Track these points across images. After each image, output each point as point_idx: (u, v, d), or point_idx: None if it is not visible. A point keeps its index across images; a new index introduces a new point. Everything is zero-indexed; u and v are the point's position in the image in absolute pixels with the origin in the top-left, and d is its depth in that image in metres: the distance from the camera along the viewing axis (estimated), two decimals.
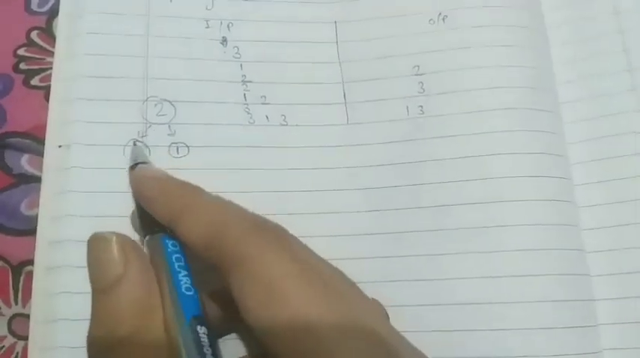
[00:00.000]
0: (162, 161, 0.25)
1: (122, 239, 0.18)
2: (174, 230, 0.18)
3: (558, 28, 0.30)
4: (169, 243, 0.18)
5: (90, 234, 0.23)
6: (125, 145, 0.26)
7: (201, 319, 0.17)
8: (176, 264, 0.18)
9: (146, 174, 0.20)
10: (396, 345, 0.16)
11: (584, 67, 0.29)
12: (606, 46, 0.29)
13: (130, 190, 0.20)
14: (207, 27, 0.28)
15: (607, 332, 0.25)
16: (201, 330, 0.16)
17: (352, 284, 0.18)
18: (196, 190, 0.19)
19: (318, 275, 0.17)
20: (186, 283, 0.17)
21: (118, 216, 0.24)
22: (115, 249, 0.18)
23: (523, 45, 0.28)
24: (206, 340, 0.16)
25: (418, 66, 0.28)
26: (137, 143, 0.25)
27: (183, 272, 0.18)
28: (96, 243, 0.18)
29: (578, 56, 0.29)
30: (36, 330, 0.24)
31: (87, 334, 0.17)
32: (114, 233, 0.18)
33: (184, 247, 0.18)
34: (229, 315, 0.19)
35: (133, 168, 0.20)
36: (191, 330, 0.16)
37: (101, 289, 0.17)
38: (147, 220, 0.19)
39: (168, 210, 0.18)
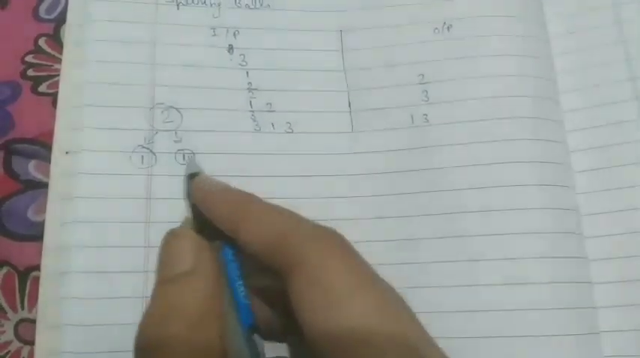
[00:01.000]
0: (168, 168, 0.26)
1: (198, 237, 0.19)
2: (237, 236, 0.18)
3: (561, 38, 0.30)
4: (229, 251, 0.18)
5: (97, 240, 0.24)
6: (132, 152, 0.26)
7: (256, 328, 0.17)
8: (235, 272, 0.18)
9: (208, 184, 0.20)
10: None
11: (587, 76, 0.29)
12: (609, 55, 0.29)
13: (185, 199, 0.20)
14: (214, 35, 0.28)
15: (609, 339, 0.25)
16: (257, 339, 0.17)
17: (400, 297, 0.18)
18: (257, 198, 0.19)
19: (376, 286, 0.17)
20: (243, 292, 0.18)
21: (125, 221, 0.25)
22: (189, 244, 0.18)
23: (526, 54, 0.28)
24: (262, 349, 0.16)
25: (423, 74, 0.28)
26: (191, 154, 0.26)
27: (240, 282, 0.18)
28: (172, 236, 0.19)
29: (581, 65, 0.29)
30: (42, 335, 0.24)
31: (139, 323, 0.17)
32: (191, 230, 0.19)
33: (241, 256, 0.19)
34: (275, 322, 0.19)
35: (190, 177, 0.21)
36: (248, 339, 0.17)
37: (166, 280, 0.18)
38: (204, 228, 0.19)
39: (231, 217, 0.18)
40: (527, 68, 0.28)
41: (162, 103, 0.27)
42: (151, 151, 0.26)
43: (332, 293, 0.16)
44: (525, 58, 0.28)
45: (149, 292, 0.24)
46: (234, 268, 0.18)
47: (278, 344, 0.19)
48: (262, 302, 0.19)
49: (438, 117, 0.28)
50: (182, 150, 0.26)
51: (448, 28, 0.29)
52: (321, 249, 0.17)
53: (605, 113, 0.28)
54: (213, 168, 0.26)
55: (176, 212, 0.25)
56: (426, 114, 0.28)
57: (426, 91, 0.28)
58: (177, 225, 0.25)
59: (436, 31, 0.29)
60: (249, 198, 0.19)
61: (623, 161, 0.27)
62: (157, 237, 0.24)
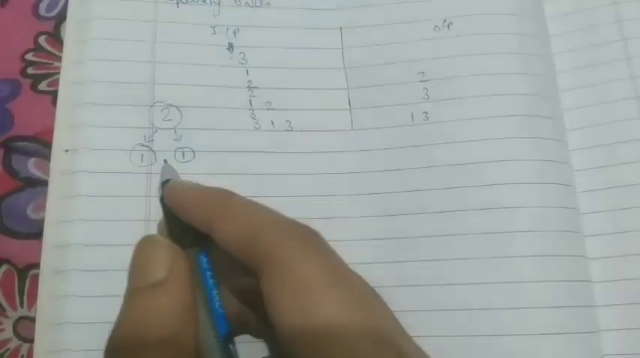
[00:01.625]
0: None
1: (172, 245, 0.18)
2: (212, 233, 0.18)
3: (562, 36, 0.30)
4: (204, 259, 0.18)
5: (96, 238, 0.24)
6: (132, 150, 0.26)
7: (231, 337, 0.17)
8: (210, 281, 0.18)
9: (180, 185, 0.20)
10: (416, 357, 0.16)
11: (588, 75, 0.29)
12: (609, 53, 0.29)
13: (160, 206, 0.20)
14: (214, 33, 0.28)
15: (608, 338, 0.25)
16: (233, 349, 0.17)
17: (375, 292, 0.17)
18: (231, 195, 0.19)
19: (348, 282, 0.17)
20: (218, 301, 0.17)
21: (123, 219, 0.25)
22: (163, 252, 0.18)
23: (527, 52, 0.28)
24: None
25: (423, 72, 0.28)
26: (166, 162, 0.25)
27: (215, 291, 0.18)
28: (145, 244, 0.18)
29: (581, 64, 0.29)
30: (42, 333, 0.24)
31: (110, 333, 0.17)
32: (165, 238, 0.19)
33: (214, 264, 0.18)
34: (246, 317, 0.19)
35: (164, 184, 0.20)
36: (224, 349, 0.17)
37: (139, 288, 0.17)
38: (178, 235, 0.19)
39: (204, 215, 0.18)
40: (527, 66, 0.28)
41: (161, 101, 0.27)
42: (151, 149, 0.26)
43: (304, 291, 0.16)
44: (526, 56, 0.28)
45: None
46: (208, 277, 0.18)
47: (257, 347, 0.19)
48: (239, 300, 0.19)
49: (438, 115, 0.27)
50: (182, 148, 0.26)
51: (449, 25, 0.29)
52: (293, 246, 0.17)
53: (605, 112, 0.28)
54: (213, 166, 0.26)
55: None
56: (426, 112, 0.28)
57: (426, 89, 0.28)
58: None
59: (436, 28, 0.29)
60: (223, 194, 0.19)
61: (624, 160, 0.27)
62: None
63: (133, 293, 0.17)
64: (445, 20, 0.29)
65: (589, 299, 0.25)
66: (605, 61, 0.29)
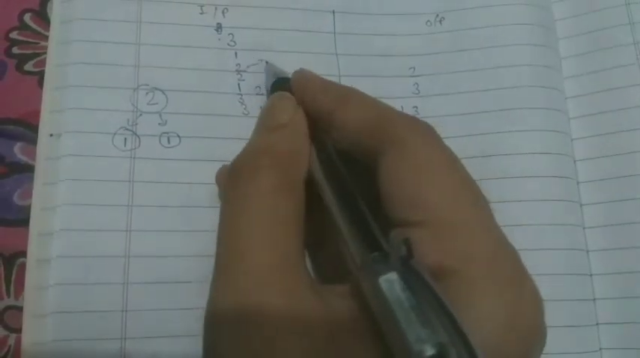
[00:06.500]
0: (152, 151, 0.25)
1: (295, 102, 0.22)
2: (336, 115, 0.20)
3: (566, 21, 0.28)
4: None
5: (80, 224, 0.24)
6: (115, 133, 0.25)
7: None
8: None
9: (310, 73, 0.23)
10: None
11: (593, 61, 0.28)
12: (616, 39, 0.27)
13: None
14: (202, 12, 0.27)
15: (605, 331, 0.25)
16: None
17: (478, 187, 0.19)
18: (356, 89, 0.22)
19: (463, 172, 0.19)
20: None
21: (107, 204, 0.24)
22: (290, 103, 0.21)
23: (523, 42, 0.27)
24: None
25: (414, 67, 0.28)
26: (267, 63, 0.26)
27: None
28: (276, 96, 0.22)
29: (587, 50, 0.28)
30: (29, 323, 0.23)
31: (235, 158, 0.20)
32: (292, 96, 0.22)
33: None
34: None
35: (277, 83, 0.23)
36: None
37: (266, 127, 0.21)
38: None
39: (333, 98, 0.21)
40: (523, 57, 0.27)
41: (146, 84, 0.26)
42: (135, 133, 0.25)
43: (425, 169, 0.18)
44: (522, 46, 0.27)
45: (131, 278, 0.24)
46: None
47: None
48: None
49: (428, 110, 0.27)
50: (167, 133, 0.25)
51: (440, 20, 0.28)
52: (417, 132, 0.19)
53: (611, 100, 0.27)
54: (199, 152, 0.25)
55: (159, 195, 0.24)
56: (416, 107, 0.27)
57: (417, 84, 0.27)
58: (161, 208, 0.24)
59: (428, 23, 0.28)
60: (349, 88, 0.22)
61: (628, 149, 0.26)
62: (140, 221, 0.24)
63: (259, 130, 0.21)
64: (437, 15, 0.28)
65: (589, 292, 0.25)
66: (613, 46, 0.27)
